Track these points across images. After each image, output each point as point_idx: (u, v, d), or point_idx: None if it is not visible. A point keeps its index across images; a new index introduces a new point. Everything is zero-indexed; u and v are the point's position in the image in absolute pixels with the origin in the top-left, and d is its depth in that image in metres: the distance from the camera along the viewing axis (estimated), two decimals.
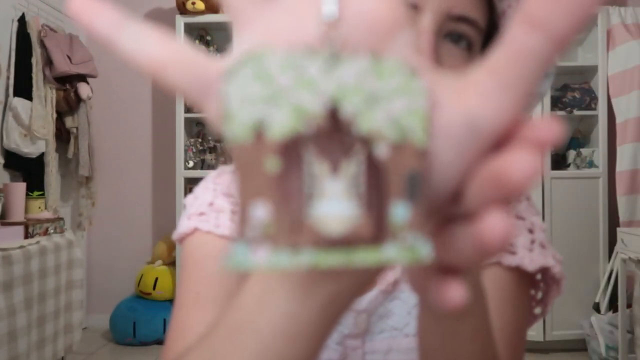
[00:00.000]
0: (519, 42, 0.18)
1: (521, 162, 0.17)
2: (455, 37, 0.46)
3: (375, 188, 0.19)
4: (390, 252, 0.18)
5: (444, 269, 0.21)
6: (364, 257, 0.18)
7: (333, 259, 0.18)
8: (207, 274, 0.51)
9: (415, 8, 0.45)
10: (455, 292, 0.20)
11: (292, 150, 0.19)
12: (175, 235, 0.57)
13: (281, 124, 0.18)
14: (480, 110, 0.19)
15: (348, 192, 0.18)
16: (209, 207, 0.55)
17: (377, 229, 0.19)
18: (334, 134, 0.19)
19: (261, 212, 0.18)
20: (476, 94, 0.19)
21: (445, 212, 0.20)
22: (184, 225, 0.55)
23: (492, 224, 0.18)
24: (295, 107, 0.18)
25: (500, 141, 0.19)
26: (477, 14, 0.46)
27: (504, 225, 0.18)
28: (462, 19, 0.46)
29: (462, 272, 0.21)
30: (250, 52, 0.18)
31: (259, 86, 0.18)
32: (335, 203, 0.18)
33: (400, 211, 0.18)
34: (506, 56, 0.18)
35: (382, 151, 0.18)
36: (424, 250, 0.18)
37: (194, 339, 0.31)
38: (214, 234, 0.53)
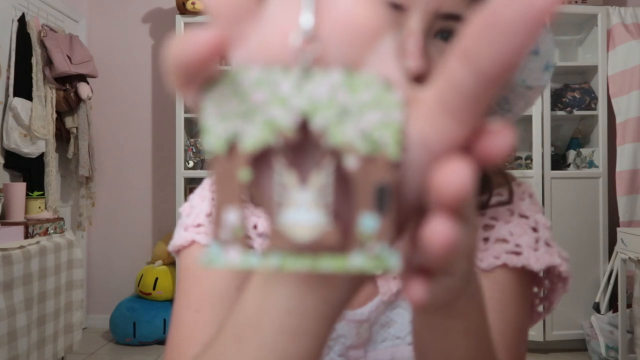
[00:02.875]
0: (451, 73, 0.19)
1: (453, 177, 0.18)
2: (445, 35, 0.45)
3: (346, 199, 0.20)
4: (357, 260, 0.19)
5: (420, 269, 0.22)
6: (329, 264, 0.19)
7: (299, 264, 0.19)
8: (207, 290, 0.50)
9: (400, 8, 0.43)
10: (417, 290, 0.22)
11: (265, 161, 0.20)
12: (170, 247, 0.55)
13: (253, 137, 0.19)
14: (429, 131, 0.20)
15: (316, 201, 0.20)
16: (206, 218, 0.54)
17: (346, 238, 0.20)
18: (305, 146, 0.20)
19: (233, 217, 0.19)
20: (425, 114, 0.20)
21: (415, 220, 0.21)
22: (180, 236, 0.54)
23: (434, 229, 0.19)
24: (267, 121, 0.19)
25: (465, 145, 0.20)
26: (466, 10, 0.45)
27: (446, 230, 0.19)
28: (451, 16, 0.44)
29: (436, 273, 0.22)
30: (226, 70, 0.19)
31: (233, 102, 0.19)
32: (303, 212, 0.19)
33: (368, 222, 0.19)
34: (444, 84, 0.19)
35: (351, 163, 0.19)
36: (391, 260, 0.19)
37: (196, 353, 0.31)
38: None
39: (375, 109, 0.19)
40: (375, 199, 0.19)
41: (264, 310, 0.26)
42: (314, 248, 0.19)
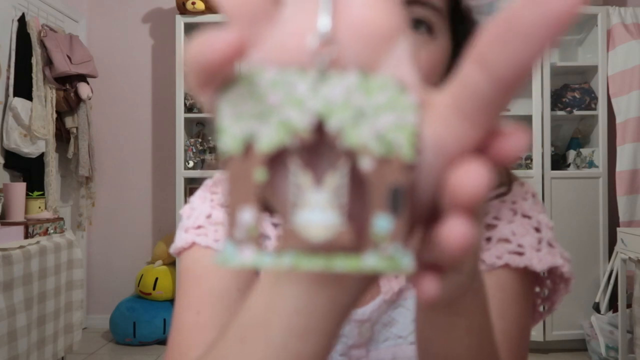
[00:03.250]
0: (466, 78, 0.19)
1: (470, 178, 0.18)
2: (412, 23, 0.44)
3: (361, 199, 0.20)
4: (371, 260, 0.19)
5: (430, 266, 0.22)
6: (343, 264, 0.19)
7: (313, 264, 0.19)
8: (208, 291, 0.50)
9: None
10: (428, 286, 0.22)
11: (280, 161, 0.20)
12: (172, 249, 0.55)
13: (269, 138, 0.19)
14: (444, 134, 0.20)
15: (331, 202, 0.20)
16: (206, 219, 0.54)
17: (360, 238, 0.20)
18: (321, 147, 0.20)
19: (248, 216, 0.19)
20: (439, 118, 0.20)
21: (427, 219, 0.21)
22: (181, 238, 0.54)
23: (451, 229, 0.19)
24: (283, 123, 0.19)
25: (479, 147, 0.20)
26: None
27: (463, 230, 0.19)
28: (415, 2, 0.43)
29: (446, 270, 0.23)
30: (243, 71, 0.19)
31: (250, 103, 0.19)
32: (317, 212, 0.20)
33: (382, 222, 0.19)
34: (458, 88, 0.19)
35: (366, 165, 0.19)
36: (405, 260, 0.19)
37: (199, 355, 0.31)
38: (213, 250, 0.52)
39: (390, 111, 0.19)
40: (390, 200, 0.19)
41: (273, 309, 0.26)
42: (328, 248, 0.20)
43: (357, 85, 0.19)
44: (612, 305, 2.81)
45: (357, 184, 0.20)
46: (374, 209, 0.19)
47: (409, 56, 0.20)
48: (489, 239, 0.51)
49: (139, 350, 2.98)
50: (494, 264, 0.49)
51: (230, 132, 0.19)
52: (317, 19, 0.19)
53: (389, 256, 0.19)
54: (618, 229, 2.63)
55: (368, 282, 0.26)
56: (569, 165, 3.16)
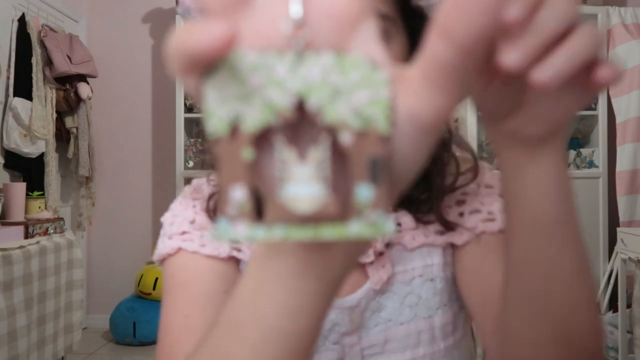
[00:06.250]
0: (432, 50, 0.21)
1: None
2: None
3: (342, 172, 0.21)
4: (355, 228, 0.21)
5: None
6: (330, 232, 0.21)
7: (302, 234, 0.21)
8: (196, 295, 0.50)
9: None
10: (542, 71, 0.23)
11: (265, 139, 0.21)
12: (155, 256, 0.55)
13: (253, 118, 0.20)
14: (416, 105, 0.21)
15: (315, 175, 0.21)
16: (190, 225, 0.54)
17: (344, 208, 0.21)
18: (303, 125, 0.21)
19: (239, 194, 0.20)
20: (411, 90, 0.21)
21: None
22: (165, 245, 0.54)
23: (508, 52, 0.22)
24: (266, 103, 0.20)
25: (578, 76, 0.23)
26: (381, 5, 0.47)
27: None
28: None
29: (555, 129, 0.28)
30: (224, 56, 0.20)
31: (233, 86, 0.20)
32: (303, 185, 0.21)
33: (363, 192, 0.21)
34: (426, 60, 0.21)
35: (346, 139, 0.21)
36: (387, 225, 0.21)
37: (191, 349, 0.31)
38: (200, 254, 0.52)
39: (365, 88, 0.21)
40: (369, 171, 0.21)
41: (263, 291, 0.26)
42: (315, 219, 0.21)
43: (332, 65, 0.20)
44: (612, 305, 2.81)
45: (339, 157, 0.21)
46: (356, 179, 0.21)
47: (376, 35, 0.21)
48: (461, 214, 0.55)
49: (139, 350, 2.98)
50: (472, 234, 0.53)
51: (217, 115, 0.20)
52: (289, 5, 0.20)
53: (372, 222, 0.21)
54: (618, 229, 2.62)
55: (353, 257, 0.27)
56: (568, 166, 3.16)
